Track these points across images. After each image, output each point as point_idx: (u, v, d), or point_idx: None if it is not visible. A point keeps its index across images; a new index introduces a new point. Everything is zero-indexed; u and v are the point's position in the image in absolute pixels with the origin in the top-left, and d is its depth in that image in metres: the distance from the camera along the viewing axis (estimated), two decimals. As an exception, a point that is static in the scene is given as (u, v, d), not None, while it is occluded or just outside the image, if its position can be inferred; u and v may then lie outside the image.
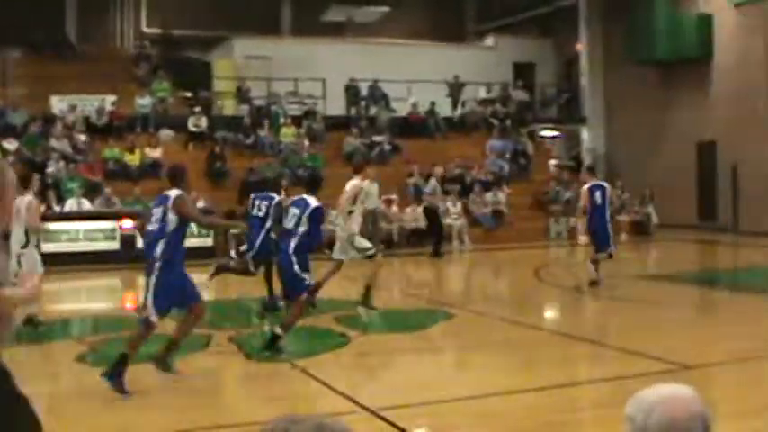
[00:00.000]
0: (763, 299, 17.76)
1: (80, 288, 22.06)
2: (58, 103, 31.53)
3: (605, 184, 19.61)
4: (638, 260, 27.00)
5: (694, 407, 2.74)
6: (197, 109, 31.86)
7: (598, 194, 18.70)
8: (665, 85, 34.72)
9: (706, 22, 32.57)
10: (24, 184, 13.74)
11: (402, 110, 34.97)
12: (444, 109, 35.99)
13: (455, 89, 36.53)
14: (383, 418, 8.76)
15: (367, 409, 9.16)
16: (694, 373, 10.56)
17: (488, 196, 30.36)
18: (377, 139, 32.68)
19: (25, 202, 13.82)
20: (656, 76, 35.06)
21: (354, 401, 9.50)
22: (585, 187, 19.05)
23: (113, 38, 41.56)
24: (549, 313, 17.81)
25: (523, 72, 40.04)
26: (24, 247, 13.79)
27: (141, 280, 22.22)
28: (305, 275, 12.09)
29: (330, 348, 12.94)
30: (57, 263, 22.95)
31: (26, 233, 13.87)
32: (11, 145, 28.89)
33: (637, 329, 14.24)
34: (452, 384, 10.82)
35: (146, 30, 40.43)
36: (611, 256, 19.04)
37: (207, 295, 17.27)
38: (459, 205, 28.94)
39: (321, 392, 10.16)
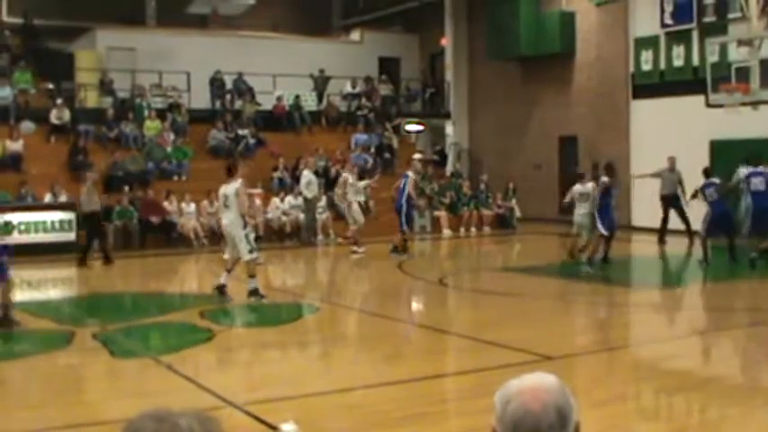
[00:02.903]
0: (617, 290, 18.28)
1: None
2: None
3: None
4: (500, 253, 27.45)
5: (549, 398, 2.75)
6: (59, 101, 31.29)
7: None
8: (528, 80, 35.26)
9: (568, 18, 33.16)
10: None
11: (267, 103, 34.87)
12: (309, 103, 36.02)
13: (320, 83, 36.59)
14: (249, 413, 8.78)
15: (232, 404, 9.17)
16: (556, 363, 10.80)
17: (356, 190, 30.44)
18: (241, 132, 32.54)
19: None
20: (519, 72, 35.58)
21: (220, 397, 9.49)
22: None
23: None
24: (414, 306, 17.99)
25: (389, 67, 40.26)
26: None
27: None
28: None
29: (195, 343, 12.89)
30: None
31: None
32: None
33: (500, 321, 14.50)
34: (318, 378, 10.88)
35: (6, 19, 39.54)
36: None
37: (71, 291, 17.12)
38: (324, 199, 28.99)
39: (186, 388, 10.12)
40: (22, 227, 24.79)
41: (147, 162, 29.26)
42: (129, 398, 9.83)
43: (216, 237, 26.24)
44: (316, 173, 28.79)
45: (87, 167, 25.64)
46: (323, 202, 28.86)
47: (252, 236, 16.34)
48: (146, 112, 32.01)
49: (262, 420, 8.51)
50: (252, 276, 16.21)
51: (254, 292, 16.15)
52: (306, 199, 27.65)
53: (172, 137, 31.08)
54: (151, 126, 31.28)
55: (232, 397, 9.44)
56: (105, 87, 33.36)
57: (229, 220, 16.10)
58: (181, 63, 33.53)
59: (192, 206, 27.20)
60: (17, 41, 36.69)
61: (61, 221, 25.24)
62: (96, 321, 14.65)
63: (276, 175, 30.26)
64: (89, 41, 36.06)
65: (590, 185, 20.66)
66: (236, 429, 8.26)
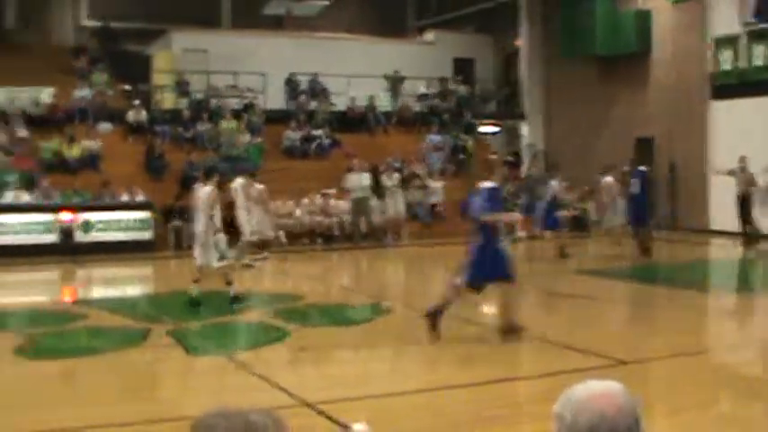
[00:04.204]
0: (697, 294, 18.02)
1: (18, 281, 21.84)
2: (-3, 95, 31.24)
3: None
4: (576, 255, 27.23)
5: (624, 402, 2.70)
6: (136, 102, 31.66)
7: None
8: (604, 80, 34.91)
9: (644, 17, 32.81)
10: None
11: (342, 104, 34.93)
12: (384, 103, 36.01)
13: (394, 83, 36.58)
14: (322, 413, 8.79)
15: (306, 403, 9.18)
16: (630, 368, 10.68)
17: (425, 191, 30.41)
18: (315, 132, 32.67)
19: None
20: (595, 72, 35.24)
21: (293, 395, 9.50)
22: None
23: (53, 30, 41.17)
24: (487, 309, 17.86)
25: (463, 67, 40.10)
26: None
27: (80, 272, 22.20)
28: None
29: (268, 342, 12.94)
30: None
31: None
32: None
33: (574, 325, 14.39)
34: (391, 379, 10.87)
35: (85, 22, 40.11)
36: None
37: (147, 289, 17.30)
38: (400, 199, 28.94)
39: (260, 386, 10.15)
40: (101, 225, 25.10)
41: (222, 161, 29.45)
42: (202, 395, 9.90)
43: (290, 237, 26.39)
44: (375, 174, 28.83)
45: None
46: (396, 202, 28.77)
47: (222, 243, 15.93)
48: (221, 113, 32.23)
49: (334, 420, 8.51)
50: (228, 283, 15.99)
51: (234, 299, 15.95)
52: (354, 200, 27.68)
53: (247, 137, 31.24)
54: (226, 126, 31.48)
55: (305, 396, 9.46)
56: (181, 88, 33.66)
57: (201, 226, 15.82)
58: (255, 64, 33.67)
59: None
60: (95, 44, 37.15)
61: (138, 220, 25.51)
62: (171, 319, 14.76)
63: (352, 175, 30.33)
64: (165, 44, 36.39)
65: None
66: (308, 428, 8.28)
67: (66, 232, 24.59)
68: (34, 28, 39.59)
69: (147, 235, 25.41)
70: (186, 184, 27.81)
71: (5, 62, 32.64)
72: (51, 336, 13.60)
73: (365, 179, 28.11)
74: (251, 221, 21.76)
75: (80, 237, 24.78)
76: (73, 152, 28.55)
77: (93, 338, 13.68)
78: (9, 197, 25.59)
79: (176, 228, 25.78)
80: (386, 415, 8.97)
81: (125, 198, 26.34)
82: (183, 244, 24.45)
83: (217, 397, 9.52)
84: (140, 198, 26.36)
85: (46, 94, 31.35)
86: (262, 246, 23.06)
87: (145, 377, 11.10)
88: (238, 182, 21.89)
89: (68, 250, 24.07)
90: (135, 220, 25.54)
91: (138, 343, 12.64)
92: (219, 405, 2.58)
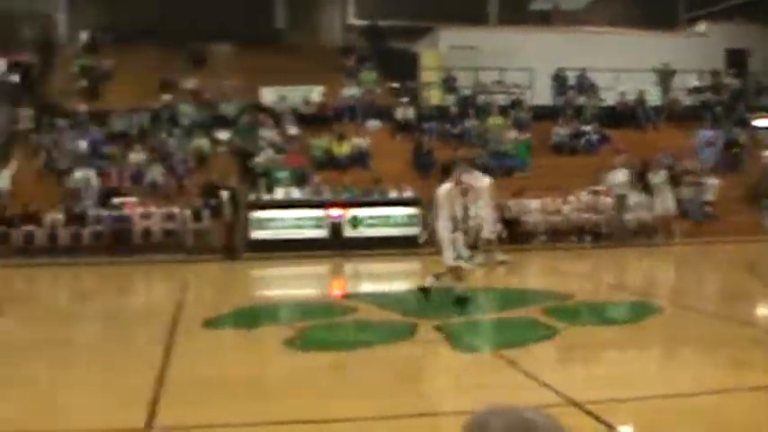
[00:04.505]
0: None
1: (290, 275, 22.42)
2: (268, 94, 32.30)
3: None
4: None
5: None
6: (404, 99, 32.09)
7: None
8: None
9: None
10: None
11: (610, 99, 34.35)
12: (653, 98, 35.19)
13: (665, 77, 35.69)
14: (590, 413, 8.55)
15: (573, 402, 8.96)
16: None
17: (698, 188, 29.49)
18: (584, 128, 32.24)
19: None
20: None
21: (560, 394, 9.30)
22: None
23: (321, 30, 42.24)
24: (764, 310, 17.15)
25: (736, 59, 38.78)
26: None
27: (349, 267, 22.63)
28: None
29: (537, 340, 12.76)
30: (266, 249, 23.55)
31: None
32: (223, 135, 29.85)
33: None
34: (660, 380, 10.49)
35: (353, 21, 40.95)
36: None
37: (414, 284, 17.41)
38: (668, 196, 28.15)
39: (526, 384, 9.99)
40: (369, 221, 25.51)
41: (489, 158, 29.44)
42: (468, 392, 9.80)
43: (556, 234, 26.15)
44: (643, 170, 28.13)
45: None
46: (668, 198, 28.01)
47: (459, 242, 15.44)
48: (489, 109, 32.26)
49: (602, 421, 8.26)
50: (458, 280, 15.60)
51: (459, 300, 15.53)
52: (617, 196, 27.08)
53: (514, 134, 31.12)
54: (494, 123, 31.46)
55: (572, 395, 9.24)
56: (448, 85, 33.87)
57: (438, 223, 15.52)
58: (523, 60, 33.53)
59: (534, 203, 27.08)
60: (363, 43, 37.86)
61: (406, 216, 25.78)
62: (438, 314, 14.76)
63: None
64: (432, 41, 36.73)
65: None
66: (576, 428, 8.06)
67: (336, 228, 25.11)
68: (304, 28, 40.69)
69: (414, 231, 25.64)
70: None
71: (276, 62, 33.76)
72: (321, 328, 13.82)
73: (623, 175, 27.46)
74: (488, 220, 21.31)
75: (349, 232, 25.28)
76: (342, 150, 29.17)
77: (362, 332, 13.85)
78: (280, 193, 26.32)
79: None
80: (654, 418, 8.65)
81: (393, 194, 26.66)
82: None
83: (483, 393, 9.40)
84: (408, 194, 26.64)
85: (316, 93, 32.22)
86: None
87: (412, 372, 11.11)
88: (485, 180, 21.58)
89: (337, 245, 24.59)
90: (403, 216, 25.82)
91: (405, 337, 12.69)
92: (491, 403, 2.46)
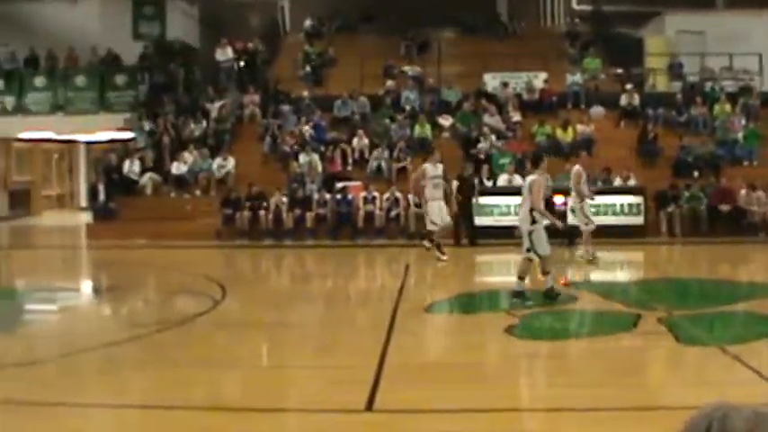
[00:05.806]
0: None
1: (512, 261, 22.38)
2: (490, 81, 32.34)
3: None
4: None
5: None
6: (629, 86, 31.61)
7: None
8: None
9: None
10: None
11: None
12: None
13: None
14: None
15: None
16: None
17: None
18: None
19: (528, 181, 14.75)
20: None
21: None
22: None
23: (544, 16, 41.99)
24: None
25: None
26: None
27: (567, 255, 22.42)
28: None
29: (763, 335, 12.40)
30: (488, 236, 23.59)
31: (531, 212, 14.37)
32: (446, 121, 30.08)
33: None
34: None
35: (576, 7, 40.53)
36: None
37: (638, 274, 17.14)
38: None
39: (753, 380, 9.71)
40: (592, 209, 25.22)
41: (717, 147, 28.69)
42: (690, 386, 9.61)
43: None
44: None
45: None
46: None
47: (541, 234, 14.62)
48: (716, 96, 31.42)
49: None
50: (545, 273, 14.78)
51: (548, 294, 14.75)
52: None
53: (743, 121, 30.19)
54: (721, 110, 30.62)
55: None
56: (674, 71, 33.19)
57: (521, 214, 14.85)
58: (752, 45, 32.51)
59: (761, 194, 26.04)
60: (587, 28, 37.46)
61: (630, 205, 25.37)
62: (663, 306, 14.50)
63: None
64: (658, 26, 36.04)
65: None
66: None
67: (559, 216, 24.92)
68: (526, 15, 40.60)
69: (638, 220, 25.22)
70: (679, 168, 27.43)
71: (499, 49, 33.74)
72: (541, 316, 13.77)
73: None
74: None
75: (571, 219, 25.06)
76: (567, 136, 28.94)
77: (583, 321, 13.76)
78: (503, 180, 26.30)
79: (669, 214, 25.42)
80: None
81: (618, 182, 26.28)
82: (674, 230, 24.23)
83: (705, 388, 9.20)
84: (632, 182, 26.22)
85: (539, 79, 32.06)
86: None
87: (633, 363, 10.95)
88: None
89: (558, 233, 24.38)
90: (627, 205, 25.41)
91: (628, 329, 12.52)
92: (719, 398, 2.42)
